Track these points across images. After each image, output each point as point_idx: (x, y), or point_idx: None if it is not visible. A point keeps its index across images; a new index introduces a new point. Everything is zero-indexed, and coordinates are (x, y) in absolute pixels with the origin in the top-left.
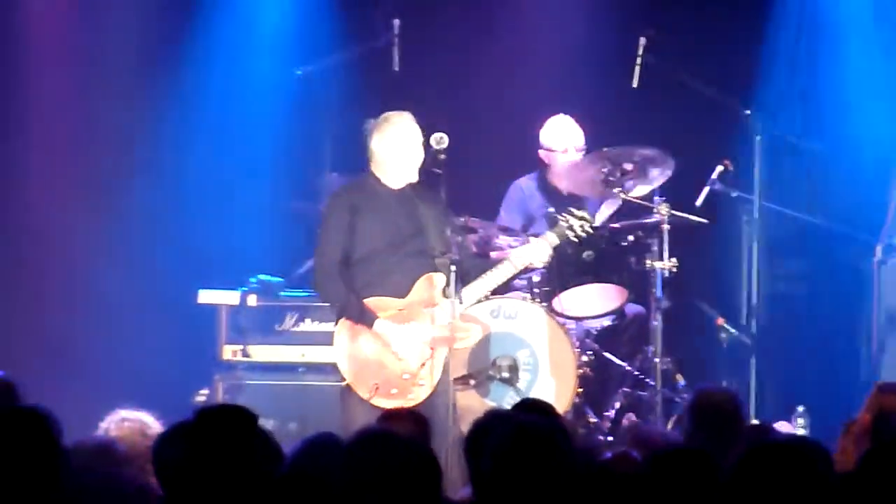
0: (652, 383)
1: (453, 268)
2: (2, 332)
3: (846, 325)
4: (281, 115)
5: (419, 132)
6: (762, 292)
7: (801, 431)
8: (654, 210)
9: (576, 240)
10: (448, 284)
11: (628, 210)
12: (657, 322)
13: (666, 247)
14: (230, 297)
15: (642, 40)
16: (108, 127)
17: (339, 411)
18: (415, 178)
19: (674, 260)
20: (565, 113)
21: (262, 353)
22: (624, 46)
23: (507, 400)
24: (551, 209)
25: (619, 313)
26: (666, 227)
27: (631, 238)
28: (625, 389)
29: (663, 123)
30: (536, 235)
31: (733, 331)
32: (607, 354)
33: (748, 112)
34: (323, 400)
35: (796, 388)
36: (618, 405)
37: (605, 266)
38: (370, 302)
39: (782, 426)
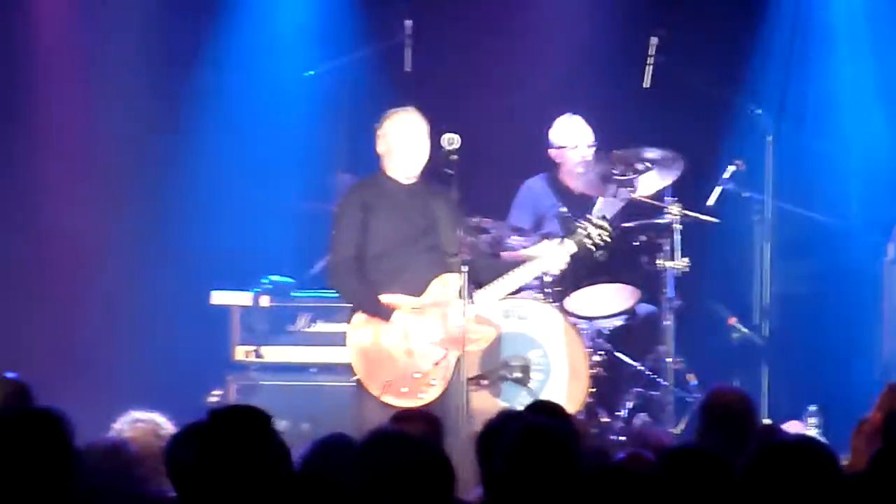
0: (664, 383)
1: (465, 268)
2: (15, 334)
3: (858, 324)
4: (292, 116)
5: (425, 125)
6: (774, 292)
7: (813, 431)
8: (666, 210)
9: (593, 248)
10: (460, 286)
11: (640, 210)
12: (669, 322)
13: (678, 247)
14: (243, 298)
15: (654, 40)
16: (122, 128)
17: (352, 411)
18: (420, 170)
19: (686, 260)
20: (575, 113)
21: (275, 353)
22: (635, 47)
23: (520, 400)
24: (563, 209)
25: (630, 313)
26: (678, 226)
27: (643, 238)
28: (637, 389)
29: (674, 124)
30: (547, 235)
31: (745, 330)
32: (619, 354)
33: (759, 112)
34: (335, 400)
35: (808, 388)
36: (630, 405)
37: (617, 266)
38: (385, 299)
39: (794, 426)
